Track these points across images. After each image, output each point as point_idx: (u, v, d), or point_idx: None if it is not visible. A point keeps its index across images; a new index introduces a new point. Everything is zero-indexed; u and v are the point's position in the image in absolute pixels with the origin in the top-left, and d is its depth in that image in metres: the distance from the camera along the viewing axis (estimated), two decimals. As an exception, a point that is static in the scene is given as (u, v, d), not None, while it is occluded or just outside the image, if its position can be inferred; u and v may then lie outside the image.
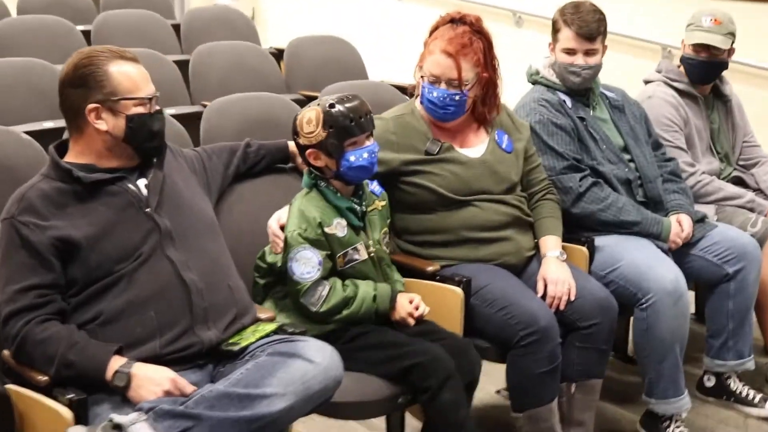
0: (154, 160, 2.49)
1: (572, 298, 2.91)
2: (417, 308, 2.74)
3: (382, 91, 4.27)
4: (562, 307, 2.91)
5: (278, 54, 5.37)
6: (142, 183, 2.44)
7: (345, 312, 2.64)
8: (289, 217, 2.66)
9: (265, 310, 2.59)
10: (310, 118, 2.65)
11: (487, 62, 2.96)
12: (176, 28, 5.75)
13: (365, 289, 2.67)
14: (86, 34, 5.33)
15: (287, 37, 5.29)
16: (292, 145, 2.94)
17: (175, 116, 4.13)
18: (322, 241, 2.64)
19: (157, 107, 2.45)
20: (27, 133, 3.25)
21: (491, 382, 3.50)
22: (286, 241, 2.62)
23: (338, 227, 2.66)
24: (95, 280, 2.29)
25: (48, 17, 5.27)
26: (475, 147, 3.04)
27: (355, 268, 2.70)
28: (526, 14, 5.91)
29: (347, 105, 2.63)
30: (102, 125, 2.36)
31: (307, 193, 2.71)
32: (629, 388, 3.60)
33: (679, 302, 3.04)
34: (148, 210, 2.39)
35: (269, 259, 2.68)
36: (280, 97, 4.01)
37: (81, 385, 2.18)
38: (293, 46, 5.20)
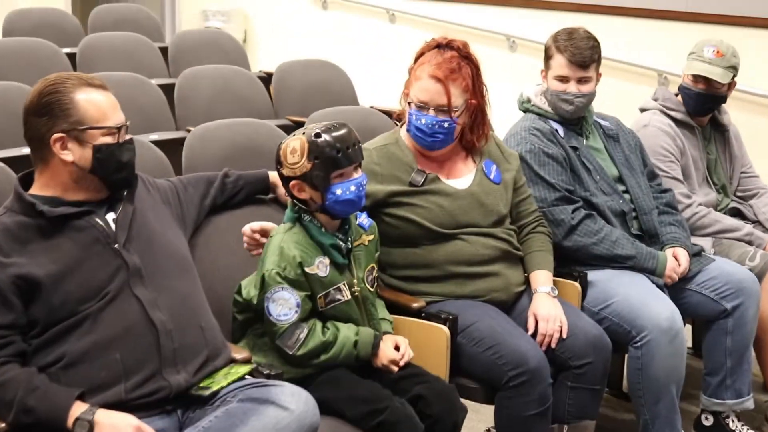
0: (125, 193, 2.37)
1: (564, 335, 2.80)
2: (403, 354, 2.60)
3: (372, 118, 4.18)
4: (553, 345, 2.79)
5: (268, 78, 5.27)
6: (110, 217, 2.32)
7: (323, 357, 2.50)
8: (268, 253, 2.53)
9: (240, 350, 2.47)
10: (294, 147, 2.51)
11: (476, 88, 2.86)
12: (165, 51, 5.65)
13: (346, 333, 2.54)
14: (72, 56, 5.23)
15: (279, 61, 5.19)
16: (272, 175, 2.83)
17: (158, 142, 4.05)
18: (302, 282, 2.50)
19: (128, 137, 2.34)
20: (2, 159, 3.14)
21: (481, 420, 3.38)
22: (263, 279, 2.50)
23: (320, 266, 2.52)
24: (58, 320, 2.16)
25: (33, 40, 5.16)
26: (462, 178, 2.93)
27: (337, 309, 2.57)
28: (520, 39, 5.83)
29: (334, 134, 2.49)
30: (68, 156, 2.24)
31: (289, 229, 2.57)
32: (624, 426, 3.49)
33: (674, 340, 2.93)
34: (116, 246, 2.27)
35: (245, 295, 2.55)
36: (265, 124, 3.92)
37: (40, 432, 2.07)
38: (282, 71, 5.09)
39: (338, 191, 2.50)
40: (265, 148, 3.55)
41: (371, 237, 2.70)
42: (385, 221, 2.85)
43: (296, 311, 2.47)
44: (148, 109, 4.55)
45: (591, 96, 3.19)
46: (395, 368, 2.57)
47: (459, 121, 2.84)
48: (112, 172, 2.29)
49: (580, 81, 3.15)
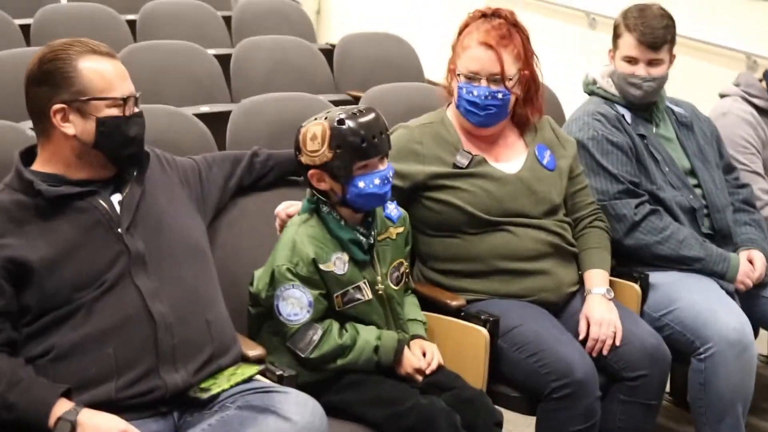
0: (134, 172, 2.18)
1: (618, 342, 2.54)
2: (429, 362, 2.38)
3: (433, 95, 3.92)
4: (605, 352, 2.54)
5: (333, 51, 5.05)
6: (116, 199, 2.13)
7: (340, 361, 2.28)
8: (280, 246, 2.33)
9: (254, 347, 2.26)
10: (315, 133, 2.28)
11: (528, 57, 2.63)
12: (230, 20, 5.47)
13: (366, 337, 2.31)
14: (132, 24, 5.09)
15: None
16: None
17: (208, 115, 3.90)
18: (316, 280, 2.29)
19: (137, 109, 2.14)
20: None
21: (525, 423, 3.14)
22: (273, 275, 2.29)
23: (337, 263, 2.30)
24: (51, 309, 1.99)
25: (92, 5, 5.03)
26: (512, 162, 2.69)
27: (357, 309, 2.34)
28: (601, 15, 5.49)
29: (359, 121, 2.26)
30: (69, 129, 2.06)
31: (305, 221, 2.35)
32: (686, 440, 3.20)
33: (743, 355, 2.63)
34: (119, 230, 2.08)
35: (254, 287, 2.35)
36: (317, 99, 3.71)
37: (22, 431, 1.89)
38: (344, 43, 4.88)
39: (361, 184, 2.28)
40: (314, 125, 3.35)
41: (401, 229, 2.47)
42: (426, 205, 2.62)
43: (308, 311, 2.26)
44: (202, 80, 4.40)
45: (662, 80, 2.90)
46: (420, 378, 2.35)
47: (513, 92, 2.61)
48: (118, 148, 2.10)
49: (651, 63, 2.86)
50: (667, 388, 3.38)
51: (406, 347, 2.36)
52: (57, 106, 2.05)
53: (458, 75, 2.62)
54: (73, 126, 2.06)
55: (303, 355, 2.26)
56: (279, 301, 2.27)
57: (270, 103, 3.51)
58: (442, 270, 2.65)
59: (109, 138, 2.08)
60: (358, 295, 2.33)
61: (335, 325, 2.30)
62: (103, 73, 2.08)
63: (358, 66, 4.82)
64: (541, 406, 2.46)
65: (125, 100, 2.09)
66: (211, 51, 4.67)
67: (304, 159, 2.32)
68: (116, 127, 2.08)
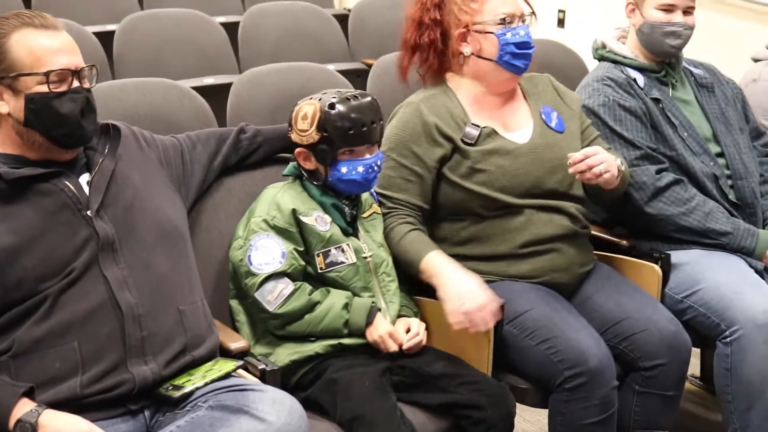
0: (105, 151, 2.02)
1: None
2: (413, 336, 2.25)
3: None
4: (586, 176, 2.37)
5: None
6: (84, 180, 1.98)
7: (308, 317, 2.17)
8: (259, 203, 2.27)
9: (236, 338, 2.10)
10: (306, 113, 2.25)
11: None
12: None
13: (337, 296, 2.21)
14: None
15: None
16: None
17: (213, 87, 3.73)
18: (293, 233, 2.21)
19: (77, 84, 1.95)
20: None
21: (529, 421, 3.01)
22: (249, 228, 2.23)
23: (318, 221, 2.23)
24: (15, 302, 1.84)
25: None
26: (521, 130, 2.51)
27: (341, 274, 2.24)
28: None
29: (352, 106, 2.21)
30: (3, 107, 1.93)
31: (288, 183, 2.31)
32: (716, 429, 3.00)
33: (772, 338, 2.44)
34: (87, 213, 1.92)
35: (231, 256, 2.26)
36: (324, 69, 3.51)
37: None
38: (360, 9, 4.68)
39: (343, 169, 2.24)
40: (319, 96, 3.18)
41: None
42: (439, 187, 2.46)
43: (281, 261, 2.17)
44: (208, 50, 4.24)
45: (692, 30, 2.75)
46: (393, 345, 2.21)
47: None
48: (50, 127, 1.93)
49: (687, 12, 2.72)
50: (698, 373, 3.21)
51: (379, 313, 2.24)
52: None
53: (487, 26, 2.45)
54: (7, 104, 1.93)
55: (270, 310, 2.15)
56: (251, 252, 2.18)
57: (273, 74, 3.31)
58: (449, 253, 2.46)
59: (38, 116, 1.91)
60: (341, 258, 2.24)
61: (308, 286, 2.20)
62: (32, 48, 1.91)
63: (375, 32, 4.61)
64: (554, 397, 2.29)
65: (50, 74, 1.91)
66: (220, 19, 4.51)
67: (294, 136, 2.29)
68: (44, 104, 1.91)
